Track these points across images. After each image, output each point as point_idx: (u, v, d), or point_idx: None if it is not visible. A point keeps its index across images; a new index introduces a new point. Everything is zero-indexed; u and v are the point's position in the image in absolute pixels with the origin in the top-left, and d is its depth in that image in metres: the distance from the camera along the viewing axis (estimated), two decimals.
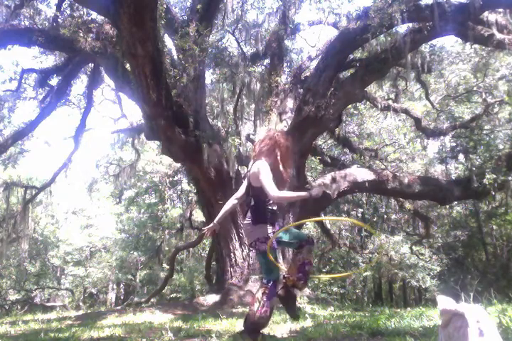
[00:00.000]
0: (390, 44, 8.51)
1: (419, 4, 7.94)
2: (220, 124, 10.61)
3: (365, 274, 17.00)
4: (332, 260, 17.77)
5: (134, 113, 27.94)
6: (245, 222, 3.15)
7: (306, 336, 3.37)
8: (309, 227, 15.50)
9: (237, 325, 4.10)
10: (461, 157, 14.58)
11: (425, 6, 7.88)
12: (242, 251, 8.22)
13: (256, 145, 3.37)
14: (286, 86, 10.17)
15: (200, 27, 7.83)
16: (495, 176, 9.18)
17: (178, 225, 16.46)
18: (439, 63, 10.98)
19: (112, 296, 25.62)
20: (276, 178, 3.06)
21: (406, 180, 9.74)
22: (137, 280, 22.63)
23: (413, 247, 15.07)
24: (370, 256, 15.48)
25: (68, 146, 40.64)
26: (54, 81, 10.45)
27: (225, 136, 8.90)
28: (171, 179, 15.96)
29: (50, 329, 4.91)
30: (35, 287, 19.61)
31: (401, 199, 12.52)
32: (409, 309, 6.74)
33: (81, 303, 21.42)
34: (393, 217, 16.79)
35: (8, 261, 18.31)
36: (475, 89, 12.50)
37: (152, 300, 13.91)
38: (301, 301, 7.68)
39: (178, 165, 13.92)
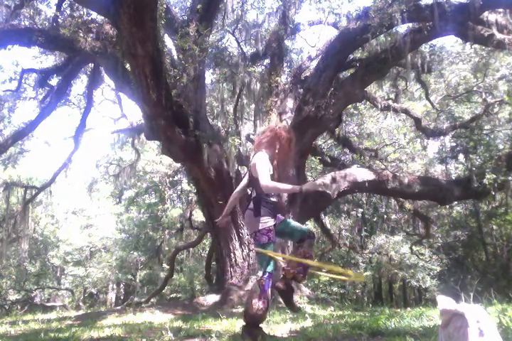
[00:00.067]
0: (390, 44, 8.51)
1: (419, 4, 7.94)
2: (220, 124, 10.60)
3: (365, 274, 17.00)
4: (332, 260, 17.76)
5: (134, 113, 27.94)
6: (247, 212, 3.16)
7: (306, 336, 3.36)
8: (309, 227, 15.45)
9: (237, 325, 4.09)
10: (461, 157, 14.58)
11: (425, 6, 7.88)
12: (242, 251, 8.21)
13: (257, 137, 3.38)
14: (286, 86, 10.17)
15: (200, 27, 7.83)
16: (495, 176, 9.18)
17: (178, 225, 16.47)
18: (439, 63, 10.97)
19: (112, 296, 25.62)
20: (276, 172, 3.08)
21: (406, 180, 9.74)
22: (137, 280, 22.64)
23: (413, 247, 15.09)
24: (370, 256, 15.48)
25: (68, 146, 40.65)
26: (54, 81, 10.46)
27: (225, 136, 8.89)
28: (171, 179, 15.95)
29: (50, 329, 4.90)
30: (35, 287, 19.60)
31: (401, 199, 12.53)
32: (409, 309, 6.72)
33: (81, 303, 21.43)
34: (393, 217, 16.78)
35: (8, 261, 18.29)
36: (475, 89, 12.50)
37: (152, 300, 13.94)
38: (301, 301, 7.68)
39: (178, 165, 13.91)
